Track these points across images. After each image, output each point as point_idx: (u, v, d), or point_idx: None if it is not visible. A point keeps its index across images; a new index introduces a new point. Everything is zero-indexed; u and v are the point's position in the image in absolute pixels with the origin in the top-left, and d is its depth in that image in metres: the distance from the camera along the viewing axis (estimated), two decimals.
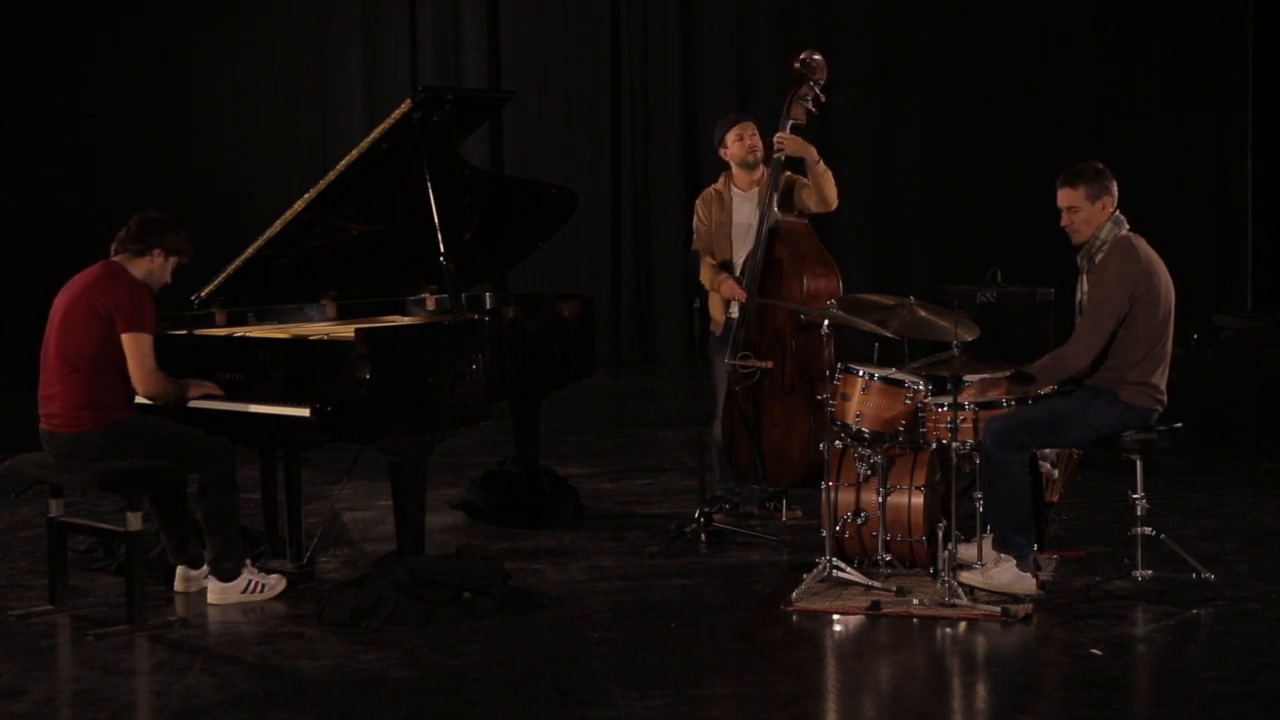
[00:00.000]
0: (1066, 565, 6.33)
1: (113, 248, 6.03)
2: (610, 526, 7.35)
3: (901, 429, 6.25)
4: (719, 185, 7.37)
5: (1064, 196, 6.00)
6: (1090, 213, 5.97)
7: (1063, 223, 6.03)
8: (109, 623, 5.76)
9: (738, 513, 7.25)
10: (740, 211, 7.27)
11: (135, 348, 5.85)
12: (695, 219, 7.40)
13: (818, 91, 7.17)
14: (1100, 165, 6.04)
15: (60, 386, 5.87)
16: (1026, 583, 5.86)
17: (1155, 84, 14.64)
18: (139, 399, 6.07)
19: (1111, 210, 5.98)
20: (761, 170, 7.27)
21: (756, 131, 7.25)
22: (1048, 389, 6.10)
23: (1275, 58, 14.59)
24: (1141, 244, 5.96)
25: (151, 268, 6.00)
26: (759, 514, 7.28)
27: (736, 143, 7.26)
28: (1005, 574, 5.87)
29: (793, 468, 7.05)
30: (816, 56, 7.15)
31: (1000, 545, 5.92)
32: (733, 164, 7.31)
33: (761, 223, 7.07)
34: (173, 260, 6.04)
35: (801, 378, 7.00)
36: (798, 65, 7.18)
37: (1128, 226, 6.00)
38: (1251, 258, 14.85)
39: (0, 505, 7.55)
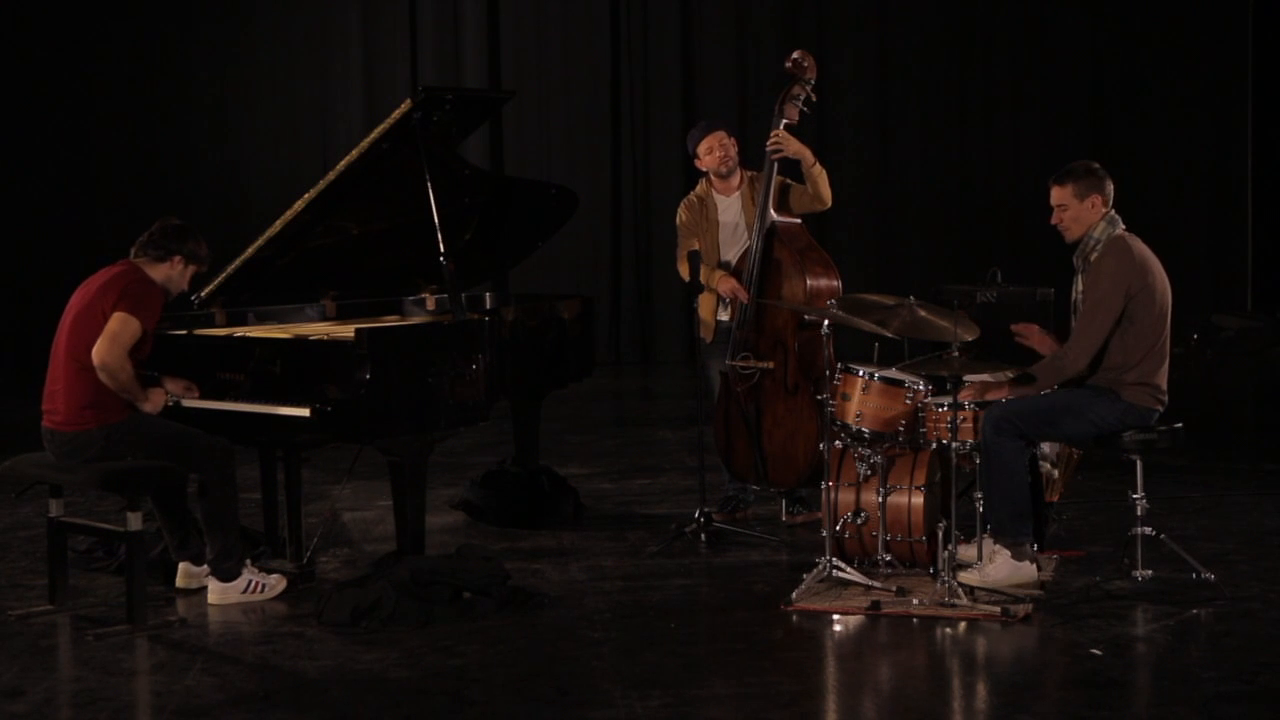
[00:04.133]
0: (1066, 565, 6.33)
1: (132, 251, 5.99)
2: (610, 526, 7.35)
3: (901, 429, 6.25)
4: (700, 191, 7.38)
5: (1053, 194, 6.05)
6: (1078, 211, 5.98)
7: (1052, 221, 6.07)
8: (109, 623, 5.76)
9: (750, 514, 7.25)
10: (726, 213, 7.28)
11: (118, 326, 5.76)
12: (679, 224, 7.39)
13: (810, 91, 7.18)
14: (1094, 165, 6.06)
15: (65, 384, 5.86)
16: (1025, 572, 5.85)
17: (1155, 84, 14.63)
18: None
19: (1102, 209, 5.99)
20: (740, 174, 7.29)
21: (727, 140, 7.26)
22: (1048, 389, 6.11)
23: (1275, 57, 14.58)
24: (1136, 243, 5.97)
25: (170, 274, 5.98)
26: (787, 519, 7.26)
27: (708, 155, 7.28)
28: (1001, 568, 5.87)
29: (798, 468, 7.04)
30: (808, 57, 7.18)
31: (996, 533, 5.92)
32: (709, 172, 7.33)
33: (760, 223, 7.07)
34: (191, 268, 6.03)
35: (805, 377, 7.00)
36: (789, 65, 7.20)
37: (1123, 226, 6.01)
38: (1251, 258, 14.83)
39: (0, 505, 7.55)
